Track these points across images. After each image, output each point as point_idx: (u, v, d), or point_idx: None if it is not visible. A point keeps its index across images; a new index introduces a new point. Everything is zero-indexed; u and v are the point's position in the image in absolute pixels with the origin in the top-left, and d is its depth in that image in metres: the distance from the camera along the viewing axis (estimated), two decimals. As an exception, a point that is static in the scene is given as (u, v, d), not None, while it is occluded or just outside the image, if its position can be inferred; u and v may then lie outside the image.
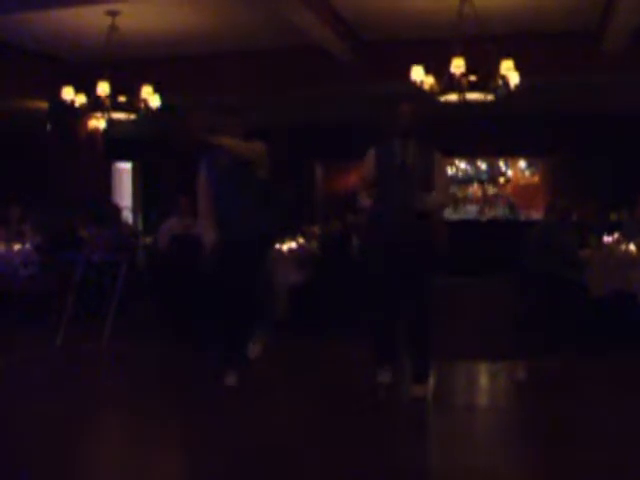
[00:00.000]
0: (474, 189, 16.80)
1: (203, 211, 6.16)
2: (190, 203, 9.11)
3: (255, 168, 5.98)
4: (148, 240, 10.27)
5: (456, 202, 16.57)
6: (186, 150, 6.08)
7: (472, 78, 8.63)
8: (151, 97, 9.86)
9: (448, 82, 8.72)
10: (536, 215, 14.57)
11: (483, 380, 7.02)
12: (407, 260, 5.67)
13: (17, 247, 9.51)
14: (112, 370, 7.11)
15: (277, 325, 7.35)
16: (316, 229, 10.16)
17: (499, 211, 16.53)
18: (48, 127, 12.25)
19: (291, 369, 6.79)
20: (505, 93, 8.81)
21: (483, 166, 16.76)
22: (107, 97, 9.55)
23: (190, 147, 6.06)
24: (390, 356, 5.87)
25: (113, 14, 9.27)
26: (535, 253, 8.16)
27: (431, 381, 5.87)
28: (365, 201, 5.86)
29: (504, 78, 8.67)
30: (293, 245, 9.06)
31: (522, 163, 16.59)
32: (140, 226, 15.79)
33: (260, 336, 6.13)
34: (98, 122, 11.97)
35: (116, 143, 13.33)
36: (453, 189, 16.51)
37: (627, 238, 8.53)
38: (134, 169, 17.46)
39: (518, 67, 8.72)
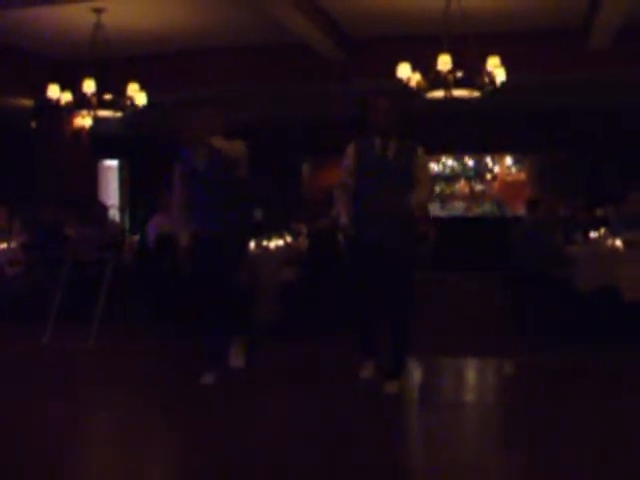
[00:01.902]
0: (461, 186, 16.82)
1: (176, 206, 6.17)
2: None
3: (234, 167, 5.96)
4: (135, 238, 10.24)
5: (443, 199, 16.60)
6: (180, 146, 6.01)
7: (458, 75, 8.64)
8: (137, 94, 9.83)
9: (435, 79, 8.73)
10: (523, 212, 14.60)
11: (470, 376, 7.03)
12: (388, 259, 5.68)
13: (3, 246, 9.47)
14: (99, 369, 7.08)
15: (266, 325, 7.37)
16: (303, 226, 10.15)
17: (486, 208, 16.57)
18: (33, 125, 12.20)
19: (278, 368, 6.77)
20: (491, 90, 8.83)
21: (470, 163, 16.78)
22: (93, 95, 9.51)
23: (185, 144, 6.03)
24: (372, 352, 5.89)
25: (99, 11, 9.24)
26: (521, 250, 8.19)
27: (415, 377, 5.88)
28: (342, 216, 5.85)
29: (490, 75, 8.69)
30: (280, 243, 9.05)
31: (509, 160, 16.63)
32: (127, 224, 15.74)
33: (241, 342, 6.11)
34: (84, 120, 11.93)
35: (102, 141, 13.28)
36: (441, 186, 16.56)
37: (613, 234, 8.56)
38: (121, 167, 17.42)
39: (504, 64, 8.75)
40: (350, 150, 5.87)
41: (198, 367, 6.04)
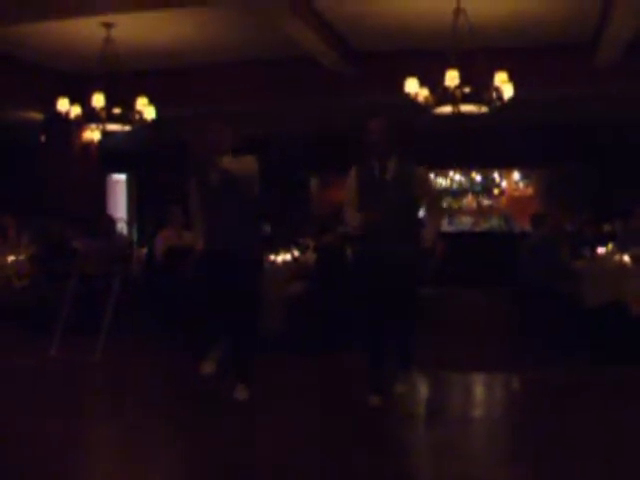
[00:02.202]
0: (468, 200, 16.83)
1: (196, 230, 6.19)
2: (182, 214, 9.15)
3: (245, 186, 5.92)
4: (143, 251, 10.26)
5: (450, 214, 16.61)
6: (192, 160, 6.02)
7: (466, 90, 8.65)
8: (146, 109, 9.88)
9: (442, 94, 8.74)
10: (530, 227, 14.59)
11: (476, 391, 7.01)
12: (393, 274, 5.67)
13: (11, 258, 9.50)
14: (106, 381, 7.08)
15: (273, 338, 7.36)
16: (311, 241, 10.16)
17: (493, 222, 16.55)
18: (42, 138, 12.26)
19: (286, 381, 6.76)
20: (499, 105, 8.84)
21: (477, 178, 16.79)
22: (102, 109, 9.56)
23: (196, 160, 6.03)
24: (379, 388, 5.81)
25: (108, 26, 9.30)
26: (528, 265, 8.18)
27: (422, 392, 5.88)
28: (352, 219, 5.83)
29: (498, 90, 8.70)
30: (288, 257, 9.06)
31: (516, 175, 16.63)
32: (135, 237, 15.77)
33: (247, 377, 5.95)
34: (93, 133, 11.98)
35: (111, 155, 13.33)
36: (448, 201, 16.57)
37: (621, 249, 8.55)
38: (129, 180, 17.46)
39: (512, 79, 8.76)
40: (351, 175, 5.88)
41: (205, 379, 6.04)
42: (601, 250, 8.93)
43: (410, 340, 5.89)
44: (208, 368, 5.92)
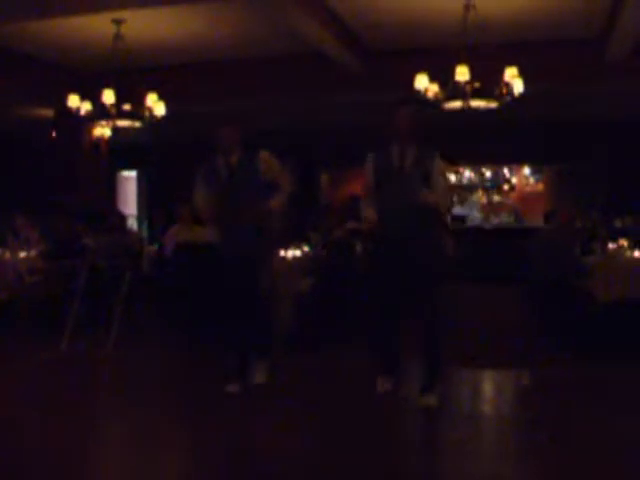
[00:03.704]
0: (479, 196, 16.81)
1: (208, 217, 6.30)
2: (190, 211, 9.17)
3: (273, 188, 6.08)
4: (153, 248, 10.29)
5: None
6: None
7: (476, 85, 8.64)
8: (156, 105, 9.89)
9: (452, 90, 8.73)
10: (540, 222, 14.57)
11: (489, 387, 7.01)
12: (413, 265, 5.64)
13: (22, 254, 9.54)
14: (116, 376, 7.11)
15: (283, 335, 7.37)
16: (320, 236, 10.16)
17: (504, 218, 16.53)
18: (52, 134, 12.29)
19: (295, 378, 6.76)
20: (509, 100, 8.82)
21: (488, 173, 16.76)
22: (112, 105, 9.57)
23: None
24: (391, 365, 5.86)
25: (118, 22, 9.31)
26: (539, 260, 8.16)
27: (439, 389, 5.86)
28: (368, 213, 5.85)
29: (508, 85, 8.69)
30: (298, 253, 9.06)
31: (526, 170, 16.60)
32: (145, 234, 15.81)
33: (264, 359, 6.15)
34: (103, 130, 12.01)
35: (121, 151, 13.36)
36: (460, 196, 16.56)
37: (633, 244, 8.53)
38: (139, 177, 17.51)
39: (522, 74, 8.74)
40: (368, 167, 5.91)
41: (216, 375, 6.06)
42: (612, 246, 8.91)
43: (438, 339, 5.78)
44: (232, 388, 5.98)
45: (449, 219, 14.61)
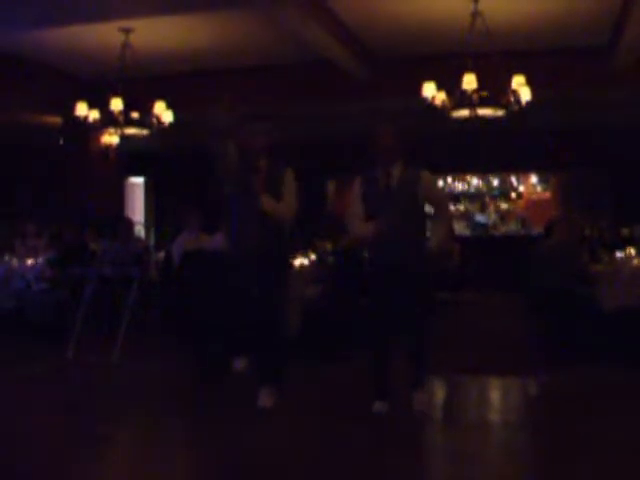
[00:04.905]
0: (486, 204, 16.77)
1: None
2: (199, 218, 9.20)
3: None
4: (160, 255, 10.30)
5: (468, 218, 16.58)
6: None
7: (483, 94, 8.65)
8: (164, 113, 9.93)
9: (460, 98, 8.74)
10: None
11: (493, 396, 6.99)
12: (403, 279, 5.60)
13: (30, 262, 9.57)
14: (122, 385, 7.11)
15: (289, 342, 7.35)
16: (328, 245, 10.16)
17: (511, 226, 16.50)
18: (61, 142, 12.33)
19: (302, 387, 6.74)
20: (517, 108, 8.82)
21: (495, 182, 16.74)
22: (120, 113, 9.61)
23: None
24: (384, 392, 5.71)
25: (126, 31, 9.36)
26: (545, 268, 8.14)
27: (439, 396, 5.84)
28: (357, 228, 5.81)
29: (515, 93, 8.69)
30: (305, 261, 9.07)
31: (534, 178, 16.57)
32: (152, 241, 15.83)
33: (272, 383, 5.84)
34: (111, 137, 12.05)
35: (129, 158, 13.39)
36: (466, 204, 16.55)
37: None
38: (147, 184, 17.54)
39: (529, 82, 8.74)
40: (355, 185, 5.85)
41: (223, 383, 6.05)
42: (619, 254, 8.89)
43: (425, 347, 5.80)
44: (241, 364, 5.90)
45: (456, 226, 14.62)
